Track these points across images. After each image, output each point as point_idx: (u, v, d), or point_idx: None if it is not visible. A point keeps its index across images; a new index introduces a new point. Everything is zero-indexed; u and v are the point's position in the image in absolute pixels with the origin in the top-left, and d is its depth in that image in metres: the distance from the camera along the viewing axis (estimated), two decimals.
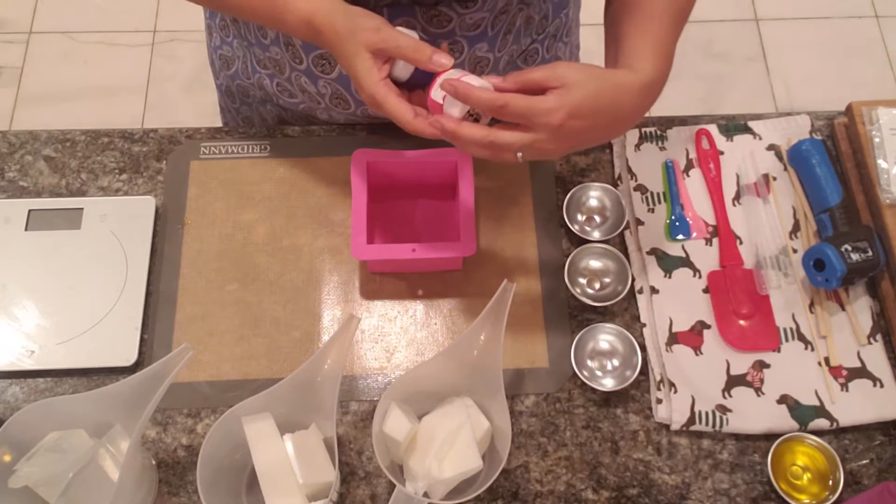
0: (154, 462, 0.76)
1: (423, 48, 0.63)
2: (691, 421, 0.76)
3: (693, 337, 0.81)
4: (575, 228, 0.85)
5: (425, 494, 0.68)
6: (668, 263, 0.85)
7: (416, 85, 0.67)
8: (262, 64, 0.89)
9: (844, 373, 0.79)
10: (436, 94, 0.64)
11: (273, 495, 0.66)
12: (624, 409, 0.79)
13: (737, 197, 0.88)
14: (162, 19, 2.10)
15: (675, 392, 0.77)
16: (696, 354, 0.80)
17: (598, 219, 0.87)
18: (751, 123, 0.93)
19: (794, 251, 0.85)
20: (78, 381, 0.80)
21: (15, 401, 0.79)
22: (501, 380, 0.69)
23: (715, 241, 0.86)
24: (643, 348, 0.81)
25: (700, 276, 0.84)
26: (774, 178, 0.89)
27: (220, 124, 1.07)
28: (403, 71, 0.65)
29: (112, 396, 0.68)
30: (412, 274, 0.85)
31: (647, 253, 0.85)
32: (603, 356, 0.80)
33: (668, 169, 0.89)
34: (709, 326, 0.82)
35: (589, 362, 0.79)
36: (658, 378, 0.79)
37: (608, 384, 0.78)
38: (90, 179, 0.89)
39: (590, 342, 0.80)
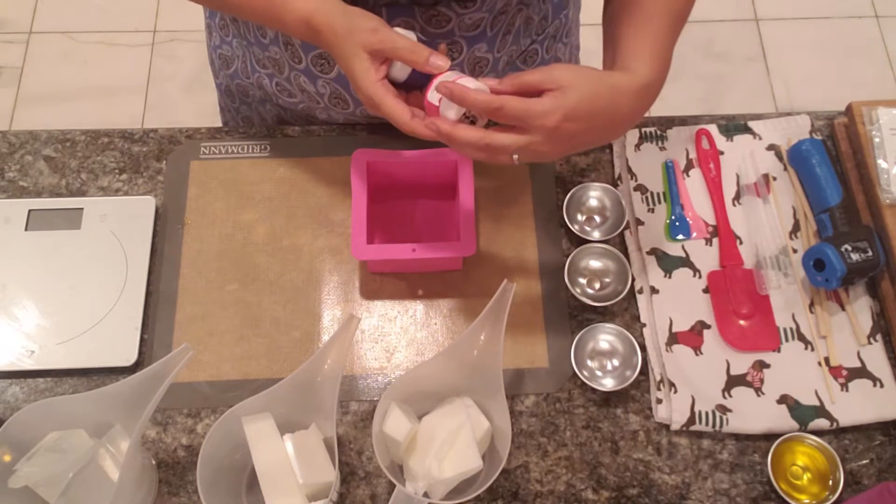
0: (154, 462, 0.76)
1: (421, 50, 0.63)
2: (691, 421, 0.76)
3: (693, 337, 0.81)
4: (575, 228, 0.85)
5: (425, 494, 0.68)
6: (668, 263, 0.85)
7: (414, 86, 0.67)
8: (261, 63, 0.89)
9: (844, 373, 0.79)
10: (432, 96, 0.64)
11: (273, 495, 0.66)
12: (624, 409, 0.79)
13: (737, 197, 0.88)
14: (162, 19, 2.10)
15: (675, 392, 0.77)
16: (696, 354, 0.80)
17: (598, 219, 0.87)
18: (751, 123, 0.93)
19: (794, 251, 0.85)
20: (78, 381, 0.80)
21: (15, 401, 0.79)
22: (501, 380, 0.69)
23: (715, 241, 0.86)
24: (643, 348, 0.81)
25: (700, 276, 0.84)
26: (774, 178, 0.89)
27: (220, 124, 1.07)
28: (401, 72, 0.65)
29: (112, 396, 0.68)
30: (412, 274, 0.85)
31: (647, 253, 0.85)
32: (603, 356, 0.80)
33: (668, 169, 0.89)
34: (709, 326, 0.82)
35: (589, 362, 0.79)
36: (658, 378, 0.79)
37: (608, 384, 0.78)
38: (90, 179, 0.89)
39: (590, 342, 0.80)
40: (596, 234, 0.85)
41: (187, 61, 2.04)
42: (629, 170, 0.89)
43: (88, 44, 2.06)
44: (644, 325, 0.82)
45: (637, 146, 0.90)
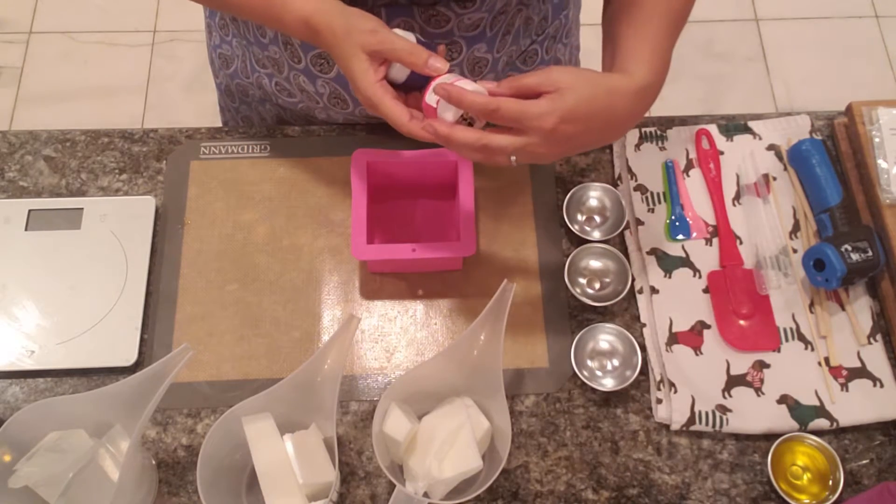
0: (154, 462, 0.76)
1: (419, 52, 0.63)
2: (691, 421, 0.76)
3: (693, 337, 0.81)
4: (575, 228, 0.85)
5: (425, 494, 0.68)
6: (668, 263, 0.85)
7: (413, 87, 0.67)
8: (260, 63, 0.89)
9: (844, 373, 0.79)
10: (430, 98, 0.64)
11: (273, 495, 0.66)
12: (624, 409, 0.79)
13: (737, 197, 0.88)
14: (162, 19, 2.10)
15: (675, 392, 0.77)
16: (696, 354, 0.80)
17: (598, 219, 0.87)
18: (751, 123, 0.93)
19: (794, 251, 0.85)
20: (78, 381, 0.80)
21: (15, 401, 0.79)
22: (501, 380, 0.69)
23: (715, 241, 0.86)
24: (643, 348, 0.81)
25: (700, 276, 0.84)
26: (774, 178, 0.89)
27: (220, 124, 1.07)
28: (400, 73, 0.65)
29: (112, 396, 0.68)
30: (412, 274, 0.85)
31: (647, 253, 0.85)
32: (603, 356, 0.80)
33: (668, 169, 0.89)
34: (709, 326, 0.82)
35: (589, 362, 0.79)
36: (658, 378, 0.79)
37: (608, 384, 0.78)
38: (90, 179, 0.89)
39: (590, 342, 0.80)
40: (596, 234, 0.85)
41: (187, 61, 2.04)
42: (629, 170, 0.89)
43: (88, 44, 2.06)
44: (644, 325, 0.82)
45: (637, 146, 0.90)
